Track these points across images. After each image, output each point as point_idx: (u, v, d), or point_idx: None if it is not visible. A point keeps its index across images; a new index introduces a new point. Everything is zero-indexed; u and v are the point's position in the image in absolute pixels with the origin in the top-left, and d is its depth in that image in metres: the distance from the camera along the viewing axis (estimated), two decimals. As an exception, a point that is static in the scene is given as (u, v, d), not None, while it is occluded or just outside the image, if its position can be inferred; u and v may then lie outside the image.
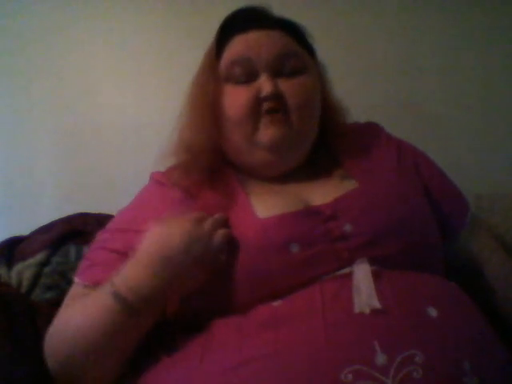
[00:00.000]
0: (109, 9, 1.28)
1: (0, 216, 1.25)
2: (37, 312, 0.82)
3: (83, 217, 1.04)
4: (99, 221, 0.99)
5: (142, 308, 0.62)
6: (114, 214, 0.83)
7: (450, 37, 1.25)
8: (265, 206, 0.70)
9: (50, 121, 1.27)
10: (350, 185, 0.73)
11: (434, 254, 0.71)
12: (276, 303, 0.61)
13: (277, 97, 0.72)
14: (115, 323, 0.62)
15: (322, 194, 0.72)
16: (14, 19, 1.28)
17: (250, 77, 0.74)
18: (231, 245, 0.66)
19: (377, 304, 0.56)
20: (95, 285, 0.69)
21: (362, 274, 0.61)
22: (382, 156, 0.79)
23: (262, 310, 0.62)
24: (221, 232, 0.66)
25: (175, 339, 0.65)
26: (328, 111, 0.81)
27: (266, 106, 0.72)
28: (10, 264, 0.94)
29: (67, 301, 0.73)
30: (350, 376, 0.51)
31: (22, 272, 0.93)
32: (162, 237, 0.65)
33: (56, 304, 0.76)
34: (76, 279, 0.73)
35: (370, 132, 0.85)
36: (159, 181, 0.79)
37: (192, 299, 0.67)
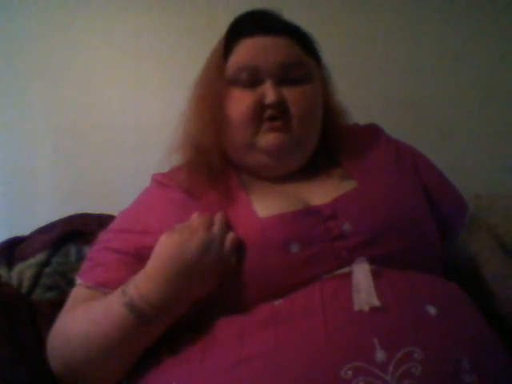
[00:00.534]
0: (109, 9, 1.28)
1: (0, 216, 1.26)
2: (37, 312, 0.82)
3: (84, 217, 1.04)
4: (100, 221, 0.99)
5: (155, 317, 0.63)
6: (114, 214, 0.84)
7: (450, 37, 1.25)
8: (265, 205, 0.71)
9: (49, 121, 1.27)
10: (349, 185, 0.74)
11: (432, 253, 0.71)
12: (277, 302, 0.62)
13: (280, 105, 0.73)
14: (127, 332, 0.63)
15: (321, 193, 0.72)
16: (14, 19, 1.28)
17: (255, 82, 0.75)
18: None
19: (376, 302, 0.57)
20: (98, 286, 0.70)
21: (361, 272, 0.61)
22: (381, 157, 0.80)
23: (262, 309, 0.62)
24: (230, 236, 0.66)
25: (177, 339, 0.66)
26: (330, 114, 0.82)
27: (268, 112, 0.73)
28: (10, 264, 0.94)
29: (70, 302, 0.73)
30: (349, 373, 0.51)
31: (22, 272, 0.93)
32: (175, 246, 0.64)
33: (57, 304, 0.76)
34: (78, 280, 0.74)
35: (370, 133, 0.85)
36: (160, 182, 0.79)
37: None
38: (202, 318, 0.66)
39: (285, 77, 0.75)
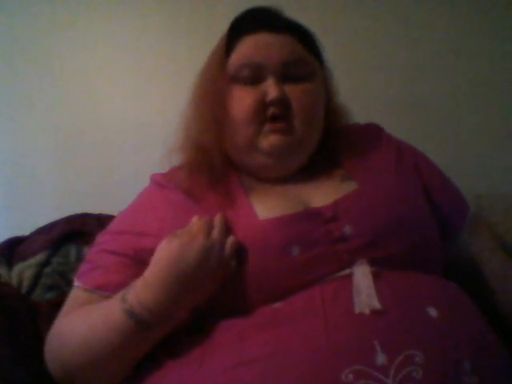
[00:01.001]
0: (109, 9, 1.28)
1: (0, 216, 1.26)
2: (37, 312, 0.82)
3: (83, 217, 1.04)
4: (100, 221, 0.99)
5: (155, 324, 0.62)
6: (114, 214, 0.83)
7: (450, 37, 1.25)
8: (265, 207, 0.71)
9: (50, 121, 1.27)
10: (349, 186, 0.73)
11: (433, 254, 0.71)
12: (276, 305, 0.62)
13: (282, 102, 0.73)
14: (127, 338, 0.62)
15: (322, 195, 0.72)
16: (14, 20, 1.28)
17: (257, 79, 0.74)
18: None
19: (377, 304, 0.57)
20: (96, 289, 0.70)
21: (361, 274, 0.61)
22: (382, 157, 0.79)
23: (262, 311, 0.62)
24: (231, 240, 0.66)
25: (176, 342, 0.65)
26: (331, 114, 0.81)
27: (270, 111, 0.73)
28: (10, 264, 0.94)
29: (68, 304, 0.72)
30: (350, 376, 0.51)
31: (22, 272, 0.93)
32: (175, 252, 0.64)
33: (56, 304, 0.76)
34: (76, 282, 0.73)
35: (371, 133, 0.85)
36: (160, 183, 0.79)
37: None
38: (202, 320, 0.66)
39: (287, 74, 0.74)
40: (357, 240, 0.65)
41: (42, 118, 1.27)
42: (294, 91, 0.74)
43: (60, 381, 0.67)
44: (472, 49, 1.25)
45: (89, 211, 1.06)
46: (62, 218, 1.04)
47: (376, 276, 0.61)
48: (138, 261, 0.69)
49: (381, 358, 0.52)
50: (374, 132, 0.85)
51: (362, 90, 1.20)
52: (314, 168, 0.79)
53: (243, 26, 0.77)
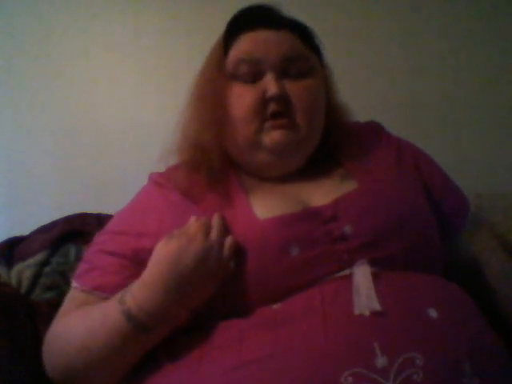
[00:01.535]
0: (109, 9, 1.28)
1: (0, 216, 1.25)
2: (36, 312, 0.82)
3: (83, 217, 1.04)
4: (99, 221, 0.99)
5: (153, 326, 0.62)
6: (113, 213, 0.83)
7: (450, 37, 1.25)
8: (264, 206, 0.70)
9: (49, 121, 1.27)
10: (349, 185, 0.73)
11: (434, 254, 0.71)
12: (276, 305, 0.61)
13: (282, 98, 0.72)
14: (125, 340, 0.62)
15: (321, 194, 0.71)
16: (14, 20, 1.28)
17: (256, 76, 0.73)
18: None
19: (377, 306, 0.56)
20: (94, 290, 0.69)
21: (361, 275, 0.60)
22: (382, 155, 0.79)
23: (261, 312, 0.61)
24: (229, 241, 0.65)
25: (175, 343, 0.65)
26: (332, 113, 0.81)
27: (271, 107, 0.72)
28: (9, 264, 0.94)
29: (66, 305, 0.72)
30: (350, 379, 0.50)
31: (21, 272, 0.93)
32: (173, 254, 0.63)
33: (56, 304, 0.76)
34: (74, 283, 0.73)
35: (371, 131, 0.84)
36: (158, 182, 0.78)
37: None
38: (201, 321, 0.65)
39: (287, 70, 0.73)
40: (357, 239, 0.64)
41: (42, 118, 1.28)
42: (294, 87, 0.73)
43: (58, 382, 0.67)
44: (472, 49, 1.25)
45: (88, 211, 1.06)
46: (62, 218, 1.04)
47: (376, 277, 0.60)
48: (137, 261, 0.69)
49: (381, 361, 0.51)
50: (374, 130, 0.85)
51: (361, 89, 1.20)
52: (314, 167, 0.78)
53: (241, 23, 0.76)
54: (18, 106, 1.28)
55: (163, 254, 0.64)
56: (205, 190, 0.74)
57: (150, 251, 0.67)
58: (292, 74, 0.74)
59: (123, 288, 0.65)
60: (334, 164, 0.79)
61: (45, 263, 0.94)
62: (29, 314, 0.81)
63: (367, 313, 0.56)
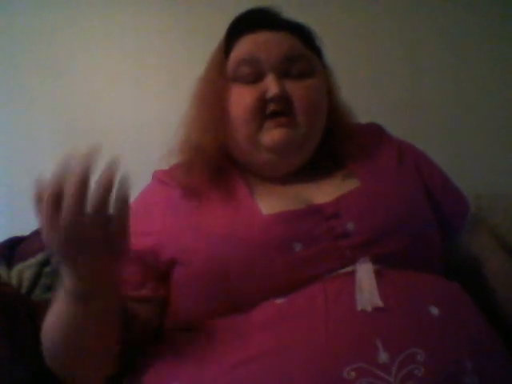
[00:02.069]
0: (109, 9, 1.28)
1: (0, 216, 1.26)
2: (36, 312, 0.82)
3: (83, 217, 1.03)
4: (99, 221, 0.99)
5: (86, 293, 0.56)
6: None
7: (450, 37, 1.25)
8: (268, 203, 0.70)
9: (50, 121, 1.27)
10: (351, 184, 0.73)
11: (434, 253, 0.71)
12: (279, 301, 0.61)
13: (283, 98, 0.72)
14: (71, 315, 0.58)
15: (324, 192, 0.72)
16: (14, 19, 1.28)
17: (257, 77, 0.74)
18: (232, 241, 0.65)
19: (379, 302, 0.57)
20: None
21: (364, 272, 0.61)
22: (383, 156, 0.79)
23: (264, 308, 0.62)
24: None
25: (177, 339, 0.65)
26: (334, 113, 0.81)
27: (271, 107, 0.72)
28: (10, 264, 0.94)
29: None
30: (352, 373, 0.51)
31: (22, 272, 0.93)
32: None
33: (56, 304, 0.76)
34: None
35: (372, 133, 0.85)
36: (162, 179, 0.79)
37: (193, 300, 0.67)
38: (203, 317, 0.65)
39: (287, 70, 0.74)
40: (359, 237, 0.65)
41: (42, 118, 1.28)
42: (294, 87, 0.73)
43: (59, 375, 0.66)
44: (472, 49, 1.25)
45: (88, 211, 1.06)
46: (62, 218, 1.03)
47: (378, 274, 0.61)
48: (137, 260, 0.69)
49: (383, 356, 0.52)
50: (375, 132, 0.85)
51: (361, 90, 1.20)
52: (316, 168, 0.79)
53: (242, 26, 0.77)
54: (18, 107, 1.28)
55: None
56: (208, 187, 0.74)
57: (151, 250, 0.68)
58: (293, 75, 0.74)
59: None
60: (335, 164, 0.80)
61: (45, 263, 0.94)
62: (29, 314, 0.80)
63: (369, 309, 0.56)
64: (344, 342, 0.54)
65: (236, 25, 0.78)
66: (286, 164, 0.76)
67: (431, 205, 0.76)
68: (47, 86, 1.27)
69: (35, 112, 1.27)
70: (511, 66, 1.24)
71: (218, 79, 0.75)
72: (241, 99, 0.73)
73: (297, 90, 0.73)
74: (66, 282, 0.56)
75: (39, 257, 0.95)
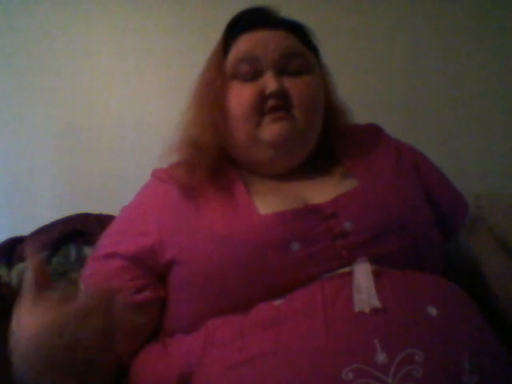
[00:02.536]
0: (110, 9, 1.28)
1: (0, 216, 1.26)
2: (37, 312, 0.82)
3: (83, 217, 1.04)
4: (99, 221, 0.99)
5: None
6: (114, 214, 0.83)
7: (450, 37, 1.25)
8: (265, 202, 0.70)
9: (50, 121, 1.27)
10: (350, 184, 0.73)
11: (433, 252, 0.71)
12: (277, 302, 0.61)
13: (282, 94, 0.72)
14: None
15: (322, 192, 0.72)
16: (14, 19, 1.28)
17: (255, 74, 0.74)
18: (230, 241, 0.65)
19: (377, 303, 0.57)
20: None
21: (362, 272, 0.61)
22: (382, 156, 0.79)
23: (262, 308, 0.62)
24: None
25: (177, 339, 0.65)
26: (331, 112, 0.81)
27: (270, 103, 0.72)
28: (10, 264, 0.94)
29: None
30: (350, 374, 0.51)
31: (22, 272, 0.93)
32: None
33: (56, 304, 0.76)
34: (81, 285, 0.73)
35: (371, 133, 0.85)
36: (160, 178, 0.79)
37: (192, 300, 0.67)
38: (202, 317, 0.65)
39: (285, 68, 0.74)
40: (357, 236, 0.65)
41: (42, 118, 1.28)
42: (292, 84, 0.74)
43: None
44: (472, 49, 1.25)
45: (89, 211, 1.06)
46: (62, 218, 1.04)
47: (376, 274, 0.61)
48: (137, 262, 0.70)
49: (381, 357, 0.52)
50: (373, 132, 0.85)
51: (361, 90, 1.20)
52: (315, 166, 0.79)
53: (240, 25, 0.78)
54: (19, 106, 1.28)
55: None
56: (206, 186, 0.74)
57: (150, 250, 0.68)
58: (290, 72, 0.75)
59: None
60: (334, 163, 0.80)
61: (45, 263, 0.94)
62: (29, 314, 0.80)
63: (367, 310, 0.56)
64: (342, 343, 0.54)
65: (234, 24, 0.79)
66: (284, 160, 0.76)
67: (430, 205, 0.76)
68: (47, 87, 1.27)
69: (35, 112, 1.28)
70: (511, 66, 1.24)
71: (217, 78, 0.76)
72: (240, 96, 0.74)
73: (295, 86, 0.73)
74: None
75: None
